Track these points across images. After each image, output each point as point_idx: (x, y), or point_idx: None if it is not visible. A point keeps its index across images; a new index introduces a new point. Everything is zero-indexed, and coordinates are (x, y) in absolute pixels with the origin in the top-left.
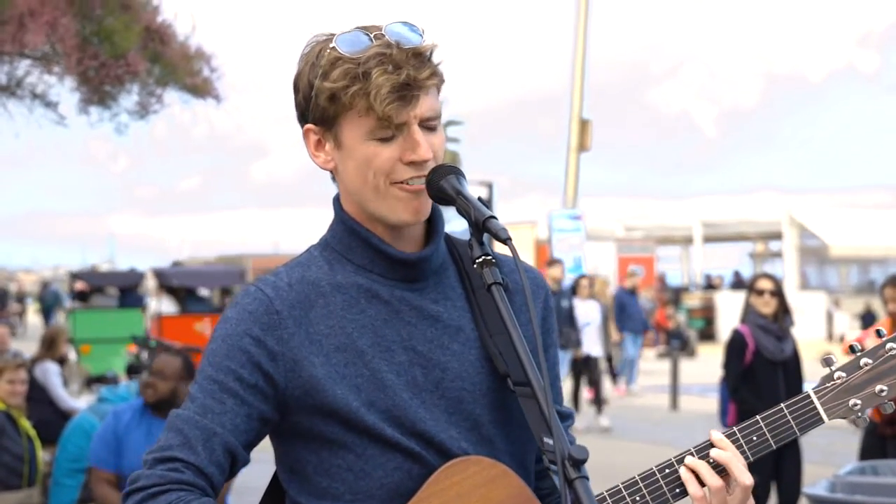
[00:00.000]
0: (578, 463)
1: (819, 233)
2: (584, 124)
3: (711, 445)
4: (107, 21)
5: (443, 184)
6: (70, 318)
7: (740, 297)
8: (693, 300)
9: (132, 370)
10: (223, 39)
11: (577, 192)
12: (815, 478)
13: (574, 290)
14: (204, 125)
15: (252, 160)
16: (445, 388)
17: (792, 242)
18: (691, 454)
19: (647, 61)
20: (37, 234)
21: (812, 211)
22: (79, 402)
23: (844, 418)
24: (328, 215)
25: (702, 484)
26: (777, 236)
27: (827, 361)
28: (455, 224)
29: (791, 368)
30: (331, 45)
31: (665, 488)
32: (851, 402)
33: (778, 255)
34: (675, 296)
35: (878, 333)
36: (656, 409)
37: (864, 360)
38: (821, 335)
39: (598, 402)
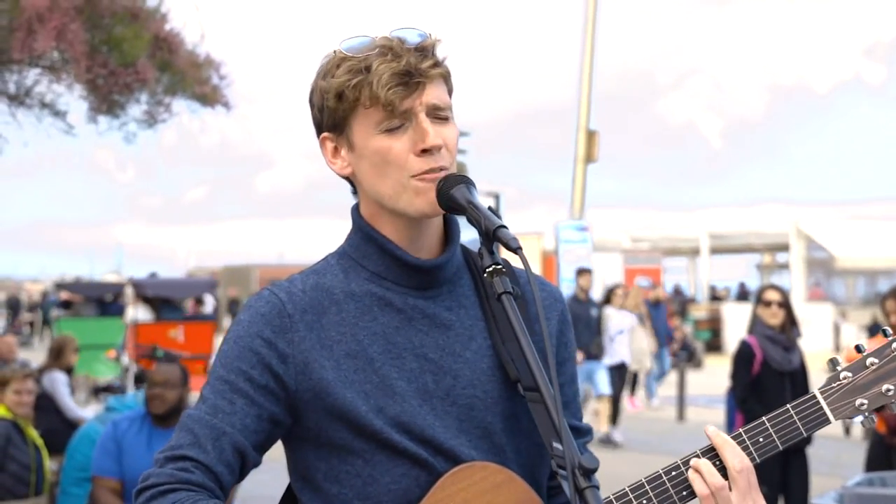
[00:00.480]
0: (589, 472)
1: (826, 244)
2: (591, 135)
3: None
4: (116, 29)
5: (453, 193)
6: (55, 326)
7: (747, 308)
8: (700, 311)
9: (140, 380)
10: (232, 47)
11: (584, 204)
12: (822, 489)
13: (608, 299)
14: (212, 135)
15: (258, 171)
16: (457, 395)
17: (799, 254)
18: (697, 456)
19: (653, 73)
20: (44, 243)
21: (819, 222)
22: (86, 411)
23: (851, 418)
24: (333, 226)
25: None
26: (784, 248)
27: (833, 362)
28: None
29: (798, 380)
30: (335, 50)
31: (672, 491)
32: (858, 401)
33: (785, 266)
34: (681, 307)
35: (885, 333)
36: (663, 421)
37: (870, 360)
38: (828, 346)
39: (616, 413)
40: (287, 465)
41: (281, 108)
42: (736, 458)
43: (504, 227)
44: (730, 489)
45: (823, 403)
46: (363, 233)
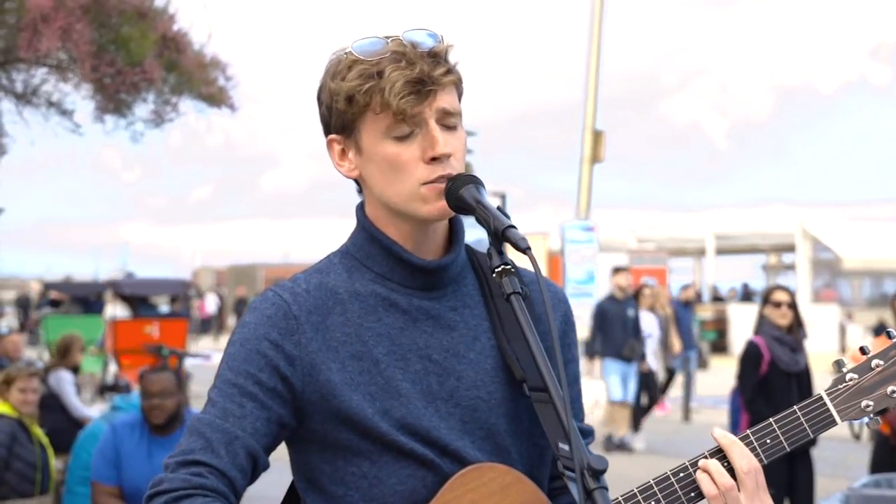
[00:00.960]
0: (598, 473)
1: (832, 245)
2: (597, 135)
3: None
4: (123, 29)
5: (462, 193)
6: (43, 323)
7: (752, 309)
8: (706, 312)
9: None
10: (237, 47)
11: (590, 204)
12: (827, 491)
13: (635, 299)
14: (217, 134)
15: (263, 170)
16: (460, 396)
17: (805, 255)
18: (705, 457)
19: (658, 74)
20: (49, 242)
21: (825, 223)
22: (91, 410)
23: (857, 420)
24: (339, 225)
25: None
26: (790, 249)
27: (839, 364)
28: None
29: (804, 381)
30: (347, 51)
31: (680, 492)
32: (863, 403)
33: (791, 267)
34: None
35: (889, 335)
36: (669, 421)
37: (875, 362)
38: (833, 348)
39: (639, 419)
40: (290, 466)
41: (286, 109)
42: (744, 459)
43: (513, 227)
44: (738, 490)
45: (830, 405)
46: (368, 233)
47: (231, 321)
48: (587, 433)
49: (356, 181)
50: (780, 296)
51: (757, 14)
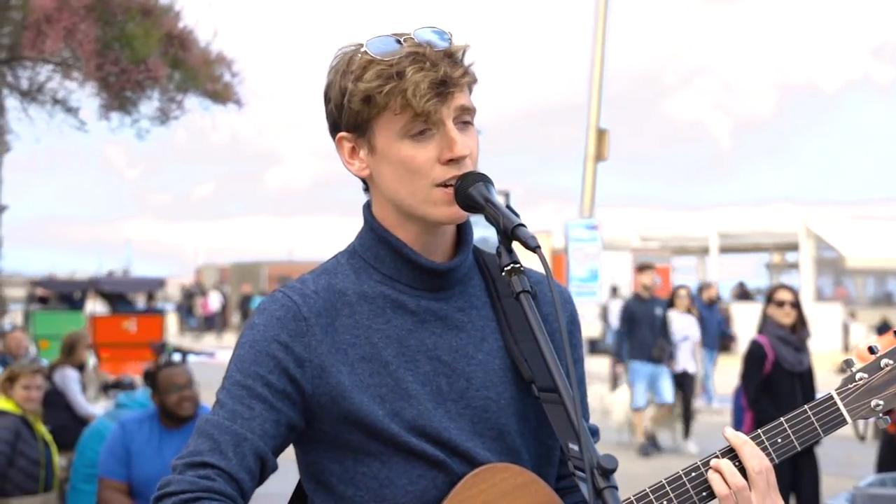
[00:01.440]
0: (607, 472)
1: (835, 244)
2: (601, 134)
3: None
4: (128, 27)
5: (471, 191)
6: (31, 319)
7: (755, 307)
8: None
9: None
10: (242, 44)
11: (594, 202)
12: (833, 490)
13: (671, 302)
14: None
15: (266, 167)
16: (470, 397)
17: (808, 254)
18: (716, 457)
19: (661, 72)
20: (53, 239)
21: (828, 222)
22: (96, 407)
23: (867, 419)
24: (342, 223)
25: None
26: (793, 247)
27: (847, 363)
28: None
29: (807, 381)
30: (361, 50)
31: (692, 492)
32: (874, 402)
33: (794, 266)
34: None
35: (895, 333)
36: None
37: (884, 361)
38: (837, 347)
39: (688, 423)
40: (298, 466)
41: (289, 105)
42: (755, 458)
43: (522, 225)
44: (749, 490)
45: (840, 404)
46: (376, 234)
47: (234, 319)
48: (593, 433)
49: (363, 180)
50: (784, 295)
51: (760, 13)
